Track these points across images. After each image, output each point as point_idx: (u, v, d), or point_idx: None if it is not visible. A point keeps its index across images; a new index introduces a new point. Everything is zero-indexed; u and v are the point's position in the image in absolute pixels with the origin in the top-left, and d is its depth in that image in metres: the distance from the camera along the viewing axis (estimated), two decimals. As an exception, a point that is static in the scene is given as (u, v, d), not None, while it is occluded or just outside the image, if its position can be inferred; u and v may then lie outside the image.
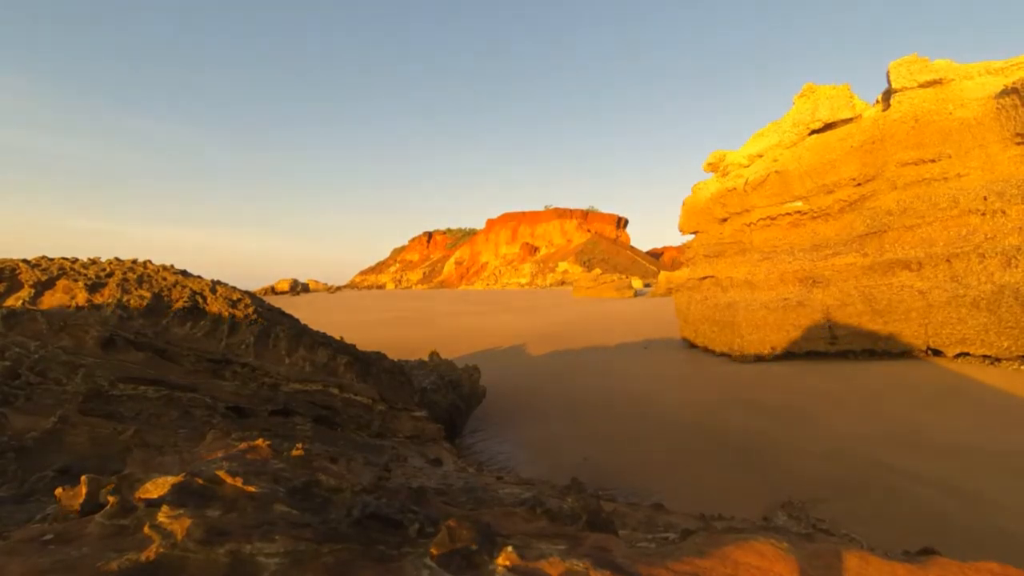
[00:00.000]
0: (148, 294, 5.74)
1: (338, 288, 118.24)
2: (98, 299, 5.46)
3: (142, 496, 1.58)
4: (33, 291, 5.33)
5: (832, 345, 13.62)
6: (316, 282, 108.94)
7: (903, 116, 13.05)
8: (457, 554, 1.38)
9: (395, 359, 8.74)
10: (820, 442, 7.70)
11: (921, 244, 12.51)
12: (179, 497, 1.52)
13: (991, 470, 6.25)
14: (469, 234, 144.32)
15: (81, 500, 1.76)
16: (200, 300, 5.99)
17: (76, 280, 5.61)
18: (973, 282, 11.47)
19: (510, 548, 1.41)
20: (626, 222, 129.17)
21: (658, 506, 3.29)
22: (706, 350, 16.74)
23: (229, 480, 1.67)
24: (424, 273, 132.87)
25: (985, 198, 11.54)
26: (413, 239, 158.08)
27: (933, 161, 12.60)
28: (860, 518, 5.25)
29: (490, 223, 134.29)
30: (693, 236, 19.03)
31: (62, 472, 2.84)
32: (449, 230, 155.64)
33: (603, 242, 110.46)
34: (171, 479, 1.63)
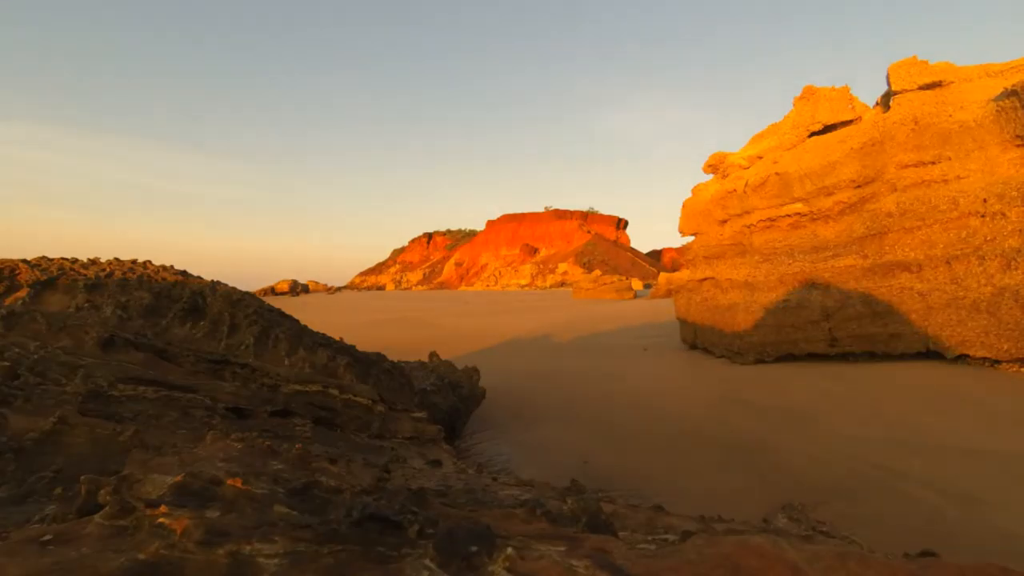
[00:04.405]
0: (148, 294, 5.74)
1: (338, 289, 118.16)
2: (98, 299, 5.46)
3: (141, 497, 1.58)
4: (33, 291, 5.33)
5: (832, 347, 13.62)
6: (316, 283, 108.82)
7: (903, 118, 13.07)
8: (457, 555, 1.38)
9: (395, 360, 8.74)
10: (820, 444, 7.69)
11: (921, 246, 12.52)
12: (178, 498, 1.52)
13: (991, 472, 6.24)
14: (469, 235, 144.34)
15: (80, 501, 1.76)
16: (200, 300, 5.99)
17: (76, 280, 5.61)
18: (973, 284, 11.47)
19: (510, 549, 1.41)
20: (626, 223, 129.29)
21: (658, 508, 3.28)
22: (706, 351, 16.74)
23: (228, 481, 1.67)
24: (424, 274, 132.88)
25: (985, 200, 11.55)
26: (413, 240, 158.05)
27: (933, 163, 12.61)
28: (860, 520, 5.24)
29: (490, 224, 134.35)
30: (693, 238, 19.05)
31: (61, 473, 2.84)
32: (449, 231, 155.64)
33: (603, 243, 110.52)
34: (170, 479, 1.62)
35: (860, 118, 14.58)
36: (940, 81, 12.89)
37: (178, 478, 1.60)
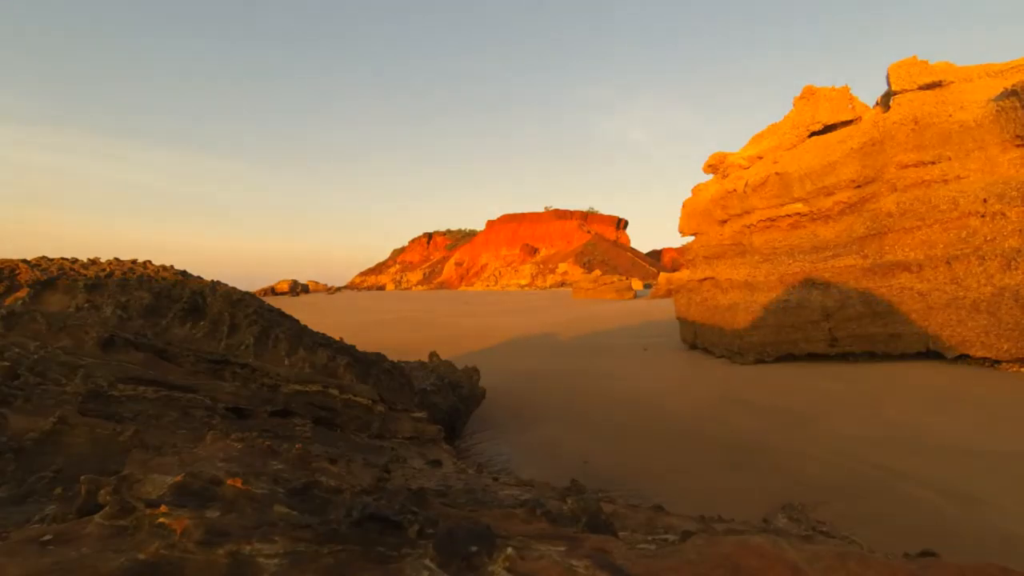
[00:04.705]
0: (148, 294, 5.74)
1: (338, 289, 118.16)
2: (98, 299, 5.46)
3: (141, 497, 1.58)
4: (33, 291, 5.33)
5: (832, 347, 13.62)
6: (316, 283, 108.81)
7: (903, 118, 13.07)
8: (457, 555, 1.38)
9: (395, 360, 8.73)
10: (820, 444, 7.69)
11: (921, 246, 12.52)
12: (178, 497, 1.52)
13: (991, 472, 6.24)
14: (469, 235, 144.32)
15: (80, 501, 1.76)
16: (200, 300, 5.99)
17: (76, 280, 5.61)
18: (973, 284, 11.47)
19: (510, 549, 1.41)
20: (626, 223, 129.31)
21: (658, 508, 3.28)
22: (706, 351, 16.74)
23: (228, 481, 1.67)
24: (424, 274, 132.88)
25: (985, 200, 11.55)
26: (413, 240, 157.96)
27: (933, 163, 12.61)
28: (860, 520, 5.24)
29: (490, 224, 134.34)
30: (693, 238, 19.05)
31: (61, 473, 2.84)
32: (449, 231, 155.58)
33: (603, 243, 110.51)
34: (170, 479, 1.62)
35: (860, 118, 14.57)
36: (940, 81, 12.89)
37: (178, 478, 1.60)
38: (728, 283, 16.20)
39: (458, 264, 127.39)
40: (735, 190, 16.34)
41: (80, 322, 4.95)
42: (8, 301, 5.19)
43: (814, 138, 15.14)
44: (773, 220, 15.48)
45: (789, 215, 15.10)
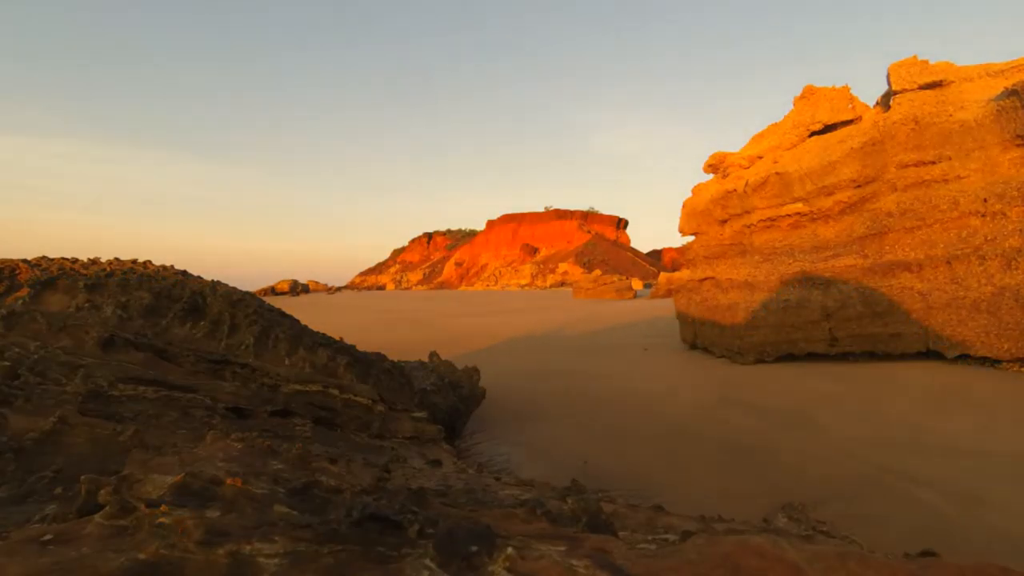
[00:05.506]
0: (148, 294, 5.74)
1: (338, 289, 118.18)
2: (98, 299, 5.46)
3: (141, 497, 1.58)
4: (33, 291, 5.33)
5: (832, 347, 13.62)
6: (316, 283, 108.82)
7: (903, 118, 13.07)
8: (457, 555, 1.38)
9: (395, 360, 8.73)
10: (820, 444, 7.69)
11: (921, 246, 12.52)
12: (178, 497, 1.52)
13: (991, 472, 6.24)
14: (469, 235, 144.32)
15: (80, 501, 1.76)
16: (200, 301, 5.99)
17: (76, 280, 5.61)
18: (973, 284, 11.47)
19: (510, 549, 1.41)
20: (626, 223, 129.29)
21: (658, 508, 3.28)
22: (706, 351, 16.73)
23: (228, 481, 1.67)
24: (424, 274, 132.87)
25: (985, 200, 11.55)
26: (413, 240, 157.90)
27: (933, 163, 12.61)
28: (860, 520, 5.24)
29: (490, 224, 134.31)
30: (693, 238, 19.05)
31: (61, 473, 2.84)
32: (449, 231, 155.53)
33: (603, 243, 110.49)
34: (170, 479, 1.62)
35: (860, 118, 14.58)
36: (940, 81, 12.89)
37: (178, 478, 1.61)
38: (728, 283, 16.20)
39: (458, 264, 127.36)
40: (735, 190, 16.34)
41: (80, 322, 4.95)
42: (8, 301, 5.18)
43: (814, 138, 15.15)
44: (773, 220, 15.47)
45: (789, 215, 15.10)
